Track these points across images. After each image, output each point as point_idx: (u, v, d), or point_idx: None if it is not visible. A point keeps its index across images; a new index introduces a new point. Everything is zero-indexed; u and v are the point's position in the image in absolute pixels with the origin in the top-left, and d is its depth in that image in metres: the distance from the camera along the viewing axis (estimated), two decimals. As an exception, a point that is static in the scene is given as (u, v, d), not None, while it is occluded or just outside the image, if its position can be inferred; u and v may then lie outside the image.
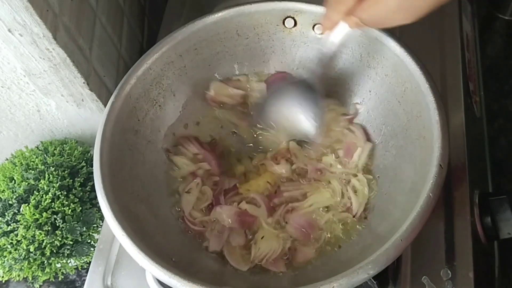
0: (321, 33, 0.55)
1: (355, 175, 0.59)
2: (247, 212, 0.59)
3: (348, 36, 0.52)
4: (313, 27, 0.62)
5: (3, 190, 0.64)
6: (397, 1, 0.43)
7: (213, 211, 0.59)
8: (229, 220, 0.58)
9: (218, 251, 0.57)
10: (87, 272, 0.63)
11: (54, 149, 0.69)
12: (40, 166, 0.65)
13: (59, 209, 0.62)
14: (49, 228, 0.62)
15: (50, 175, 0.64)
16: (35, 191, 0.63)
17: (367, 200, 0.58)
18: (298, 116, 0.60)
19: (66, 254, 0.64)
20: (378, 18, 0.46)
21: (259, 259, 0.56)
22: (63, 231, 0.62)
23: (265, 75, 0.67)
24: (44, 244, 0.62)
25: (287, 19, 0.62)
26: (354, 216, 0.57)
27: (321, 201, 0.59)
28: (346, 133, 0.62)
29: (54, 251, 0.63)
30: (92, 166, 0.53)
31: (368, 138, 0.62)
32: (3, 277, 0.64)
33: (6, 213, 0.63)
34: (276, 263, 0.55)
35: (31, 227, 0.61)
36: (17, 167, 0.66)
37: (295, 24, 0.63)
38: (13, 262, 0.62)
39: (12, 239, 0.62)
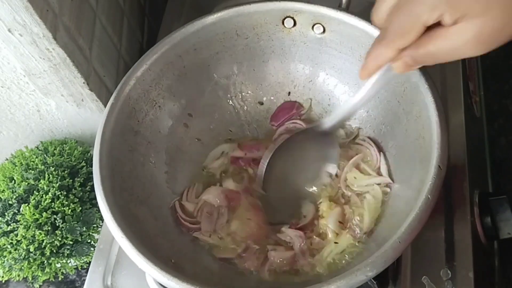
0: (361, 78, 0.49)
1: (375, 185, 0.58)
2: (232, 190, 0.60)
3: (384, 84, 0.49)
4: (313, 27, 0.62)
5: (3, 190, 0.64)
6: (474, 33, 0.38)
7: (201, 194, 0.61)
8: (217, 199, 0.59)
9: (211, 231, 0.58)
10: (87, 272, 0.63)
11: (54, 149, 0.69)
12: (40, 166, 0.65)
13: (59, 209, 0.62)
14: (49, 228, 0.62)
15: (50, 175, 0.64)
16: (35, 191, 0.63)
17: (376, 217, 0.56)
18: (317, 165, 0.60)
19: (66, 254, 0.64)
20: (446, 52, 0.40)
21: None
22: (63, 231, 0.62)
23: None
24: (44, 244, 0.62)
25: (286, 19, 0.62)
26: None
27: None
28: (357, 148, 0.62)
29: (54, 251, 0.63)
30: (92, 166, 0.53)
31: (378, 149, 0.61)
32: (3, 277, 0.64)
33: (6, 213, 0.63)
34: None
35: (31, 227, 0.61)
36: (17, 167, 0.66)
37: (295, 24, 0.62)
38: (13, 262, 0.62)
39: (12, 239, 0.62)
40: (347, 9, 0.61)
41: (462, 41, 0.39)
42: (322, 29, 0.61)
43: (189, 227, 0.59)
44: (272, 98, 0.69)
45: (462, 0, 0.37)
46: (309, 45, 0.64)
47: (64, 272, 0.66)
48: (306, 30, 0.62)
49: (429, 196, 0.46)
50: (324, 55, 0.64)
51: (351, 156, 0.61)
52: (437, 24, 0.40)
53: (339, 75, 0.64)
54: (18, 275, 0.64)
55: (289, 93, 0.68)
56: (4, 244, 0.62)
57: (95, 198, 0.52)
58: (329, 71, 0.65)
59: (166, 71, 0.62)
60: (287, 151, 0.59)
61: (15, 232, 0.62)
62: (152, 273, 0.47)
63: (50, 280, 0.66)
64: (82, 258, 0.66)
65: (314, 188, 0.60)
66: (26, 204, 0.62)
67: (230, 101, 0.68)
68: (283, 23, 0.63)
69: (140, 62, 0.59)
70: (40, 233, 0.61)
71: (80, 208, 0.64)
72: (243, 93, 0.68)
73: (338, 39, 0.61)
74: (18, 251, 0.62)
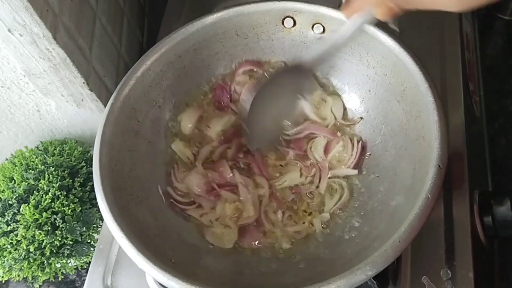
0: (345, 16, 0.53)
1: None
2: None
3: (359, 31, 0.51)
4: (312, 27, 0.62)
5: (3, 190, 0.64)
6: None
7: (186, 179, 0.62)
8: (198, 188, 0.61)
9: (211, 207, 0.60)
10: (87, 272, 0.63)
11: (54, 149, 0.69)
12: (40, 166, 0.65)
13: (59, 209, 0.62)
14: (49, 228, 0.62)
15: (50, 175, 0.64)
16: (35, 191, 0.63)
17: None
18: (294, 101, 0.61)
19: (66, 254, 0.64)
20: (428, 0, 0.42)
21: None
22: (63, 231, 0.62)
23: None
24: (44, 244, 0.62)
25: (286, 19, 0.62)
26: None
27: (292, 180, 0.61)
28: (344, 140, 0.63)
29: (54, 251, 0.63)
30: (92, 166, 0.53)
31: (357, 163, 0.61)
32: (3, 277, 0.64)
33: (6, 213, 0.63)
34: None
35: (31, 227, 0.61)
36: (17, 167, 0.66)
37: (294, 24, 0.62)
38: (13, 262, 0.62)
39: (12, 239, 0.62)
40: (347, 9, 0.61)
41: None
42: (322, 29, 0.61)
43: (185, 208, 0.60)
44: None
45: None
46: (309, 44, 0.64)
47: (64, 272, 0.66)
48: (306, 30, 0.63)
49: (429, 195, 0.46)
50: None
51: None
52: None
53: (339, 74, 0.64)
54: (18, 275, 0.64)
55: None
56: (4, 244, 0.62)
57: (95, 198, 0.52)
58: (328, 71, 0.65)
59: (166, 71, 0.62)
60: (268, 88, 0.60)
61: (15, 232, 0.62)
62: (152, 272, 0.47)
63: (50, 280, 0.66)
64: (82, 258, 0.66)
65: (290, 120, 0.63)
66: (26, 204, 0.62)
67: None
68: (283, 23, 0.63)
69: (140, 62, 0.59)
70: (40, 233, 0.61)
71: (80, 208, 0.64)
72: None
73: None
74: (18, 251, 0.62)
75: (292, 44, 0.64)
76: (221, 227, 0.59)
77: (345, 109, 0.64)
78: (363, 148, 0.62)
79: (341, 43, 0.55)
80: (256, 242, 0.58)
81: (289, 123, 0.63)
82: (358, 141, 0.62)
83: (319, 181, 0.61)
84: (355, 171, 0.61)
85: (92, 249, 0.65)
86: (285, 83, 0.60)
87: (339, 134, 0.63)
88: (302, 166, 0.62)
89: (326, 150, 0.63)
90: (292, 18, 0.62)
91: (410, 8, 0.45)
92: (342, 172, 0.61)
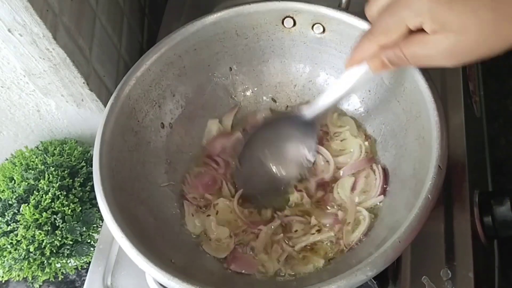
0: (346, 68, 0.51)
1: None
2: None
3: (362, 81, 0.51)
4: (312, 27, 0.62)
5: (3, 190, 0.64)
6: (448, 47, 0.41)
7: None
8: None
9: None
10: (87, 272, 0.63)
11: (54, 149, 0.69)
12: (40, 166, 0.65)
13: (59, 209, 0.62)
14: (49, 228, 0.62)
15: (50, 175, 0.64)
16: (35, 191, 0.63)
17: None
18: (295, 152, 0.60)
19: (66, 254, 0.64)
20: (420, 58, 0.44)
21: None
22: (63, 231, 0.62)
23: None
24: (44, 244, 0.62)
25: (286, 19, 0.62)
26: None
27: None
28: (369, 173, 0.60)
29: (54, 251, 0.63)
30: (92, 166, 0.53)
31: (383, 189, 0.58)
32: (3, 277, 0.64)
33: (6, 213, 0.63)
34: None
35: (31, 227, 0.61)
36: (17, 167, 0.66)
37: (294, 24, 0.62)
38: (13, 262, 0.62)
39: (12, 239, 0.62)
40: (347, 9, 0.61)
41: (436, 51, 0.42)
42: (322, 29, 0.61)
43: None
44: (272, 98, 0.69)
45: (443, 14, 0.40)
46: (309, 45, 0.64)
47: (64, 272, 0.66)
48: (306, 30, 0.62)
49: (429, 196, 0.46)
50: (324, 54, 0.64)
51: (333, 148, 0.62)
52: (421, 31, 0.42)
53: (340, 74, 0.64)
54: (18, 275, 0.64)
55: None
56: (4, 244, 0.62)
57: (95, 198, 0.52)
58: (329, 71, 0.65)
59: (166, 71, 0.61)
60: (266, 134, 0.60)
61: (15, 232, 0.62)
62: (152, 273, 0.47)
63: (50, 280, 0.66)
64: (82, 258, 0.66)
65: (287, 172, 0.61)
66: (26, 204, 0.62)
67: (231, 100, 0.68)
68: (282, 23, 0.63)
69: (140, 62, 0.59)
70: (40, 233, 0.61)
71: (80, 208, 0.64)
72: (243, 93, 0.68)
73: (338, 38, 0.61)
74: (18, 251, 0.62)
75: (292, 44, 0.64)
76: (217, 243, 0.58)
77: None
78: (385, 172, 0.59)
79: (342, 96, 0.54)
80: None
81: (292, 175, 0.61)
82: (378, 166, 0.59)
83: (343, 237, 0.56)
84: (382, 197, 0.57)
85: (92, 249, 0.65)
86: (286, 132, 0.60)
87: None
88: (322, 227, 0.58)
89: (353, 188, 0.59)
90: (292, 18, 0.62)
91: (402, 66, 0.47)
92: (368, 204, 0.58)
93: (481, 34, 0.39)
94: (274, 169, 0.61)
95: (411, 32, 0.43)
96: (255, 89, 0.68)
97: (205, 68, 0.65)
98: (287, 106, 0.68)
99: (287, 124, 0.61)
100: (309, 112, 0.58)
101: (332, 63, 0.64)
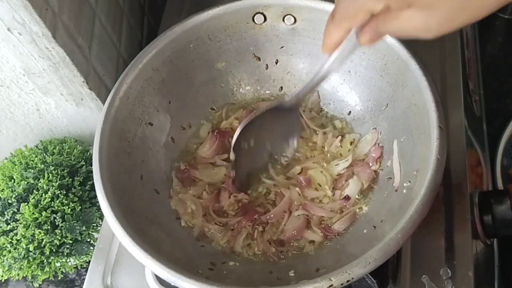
0: (323, 53, 0.50)
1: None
2: None
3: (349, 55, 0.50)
4: (283, 19, 0.62)
5: (3, 189, 0.64)
6: (421, 22, 0.40)
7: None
8: None
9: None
10: (86, 271, 0.63)
11: (54, 148, 0.69)
12: (39, 165, 0.65)
13: (59, 208, 0.62)
14: (49, 227, 0.62)
15: (50, 174, 0.64)
16: (34, 190, 0.63)
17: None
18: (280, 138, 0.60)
19: (65, 253, 0.64)
20: (397, 33, 0.43)
21: None
22: (63, 230, 0.62)
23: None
24: (43, 243, 0.62)
25: (256, 15, 0.62)
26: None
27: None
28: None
29: (54, 250, 0.63)
30: (91, 165, 0.53)
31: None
32: (2, 276, 0.64)
33: (5, 212, 0.63)
34: None
35: (30, 226, 0.61)
36: (16, 166, 0.66)
37: (265, 19, 0.63)
38: (12, 261, 0.62)
39: (11, 238, 0.62)
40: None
41: (411, 25, 0.41)
42: (293, 20, 0.62)
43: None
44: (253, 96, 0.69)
45: None
46: (282, 37, 0.64)
47: (64, 271, 0.66)
48: (277, 23, 0.63)
49: (438, 156, 0.47)
50: (298, 44, 0.64)
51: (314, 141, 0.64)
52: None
53: (316, 61, 0.64)
54: (18, 274, 0.64)
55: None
56: (4, 243, 0.62)
57: (94, 197, 0.52)
58: (305, 59, 0.65)
59: (147, 87, 0.61)
60: (255, 127, 0.59)
61: (15, 231, 0.62)
62: (155, 269, 0.47)
63: (50, 279, 0.66)
64: (82, 257, 0.66)
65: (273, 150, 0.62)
66: (26, 203, 0.62)
67: (214, 106, 0.68)
68: (253, 20, 0.63)
69: (121, 81, 0.58)
70: (39, 232, 0.61)
71: (80, 207, 0.64)
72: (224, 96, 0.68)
73: (310, 26, 0.62)
74: (17, 250, 0.62)
75: (265, 39, 0.65)
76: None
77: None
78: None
79: (322, 79, 0.53)
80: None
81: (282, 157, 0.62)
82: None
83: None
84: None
85: (91, 248, 0.65)
86: (271, 122, 0.60)
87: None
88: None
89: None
90: (262, 13, 0.62)
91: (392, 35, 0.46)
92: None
93: (450, 8, 0.39)
94: (262, 148, 0.62)
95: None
96: (236, 90, 0.69)
97: (183, 78, 0.64)
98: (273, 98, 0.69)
99: (272, 112, 0.60)
100: (290, 98, 0.58)
101: (307, 51, 0.64)
